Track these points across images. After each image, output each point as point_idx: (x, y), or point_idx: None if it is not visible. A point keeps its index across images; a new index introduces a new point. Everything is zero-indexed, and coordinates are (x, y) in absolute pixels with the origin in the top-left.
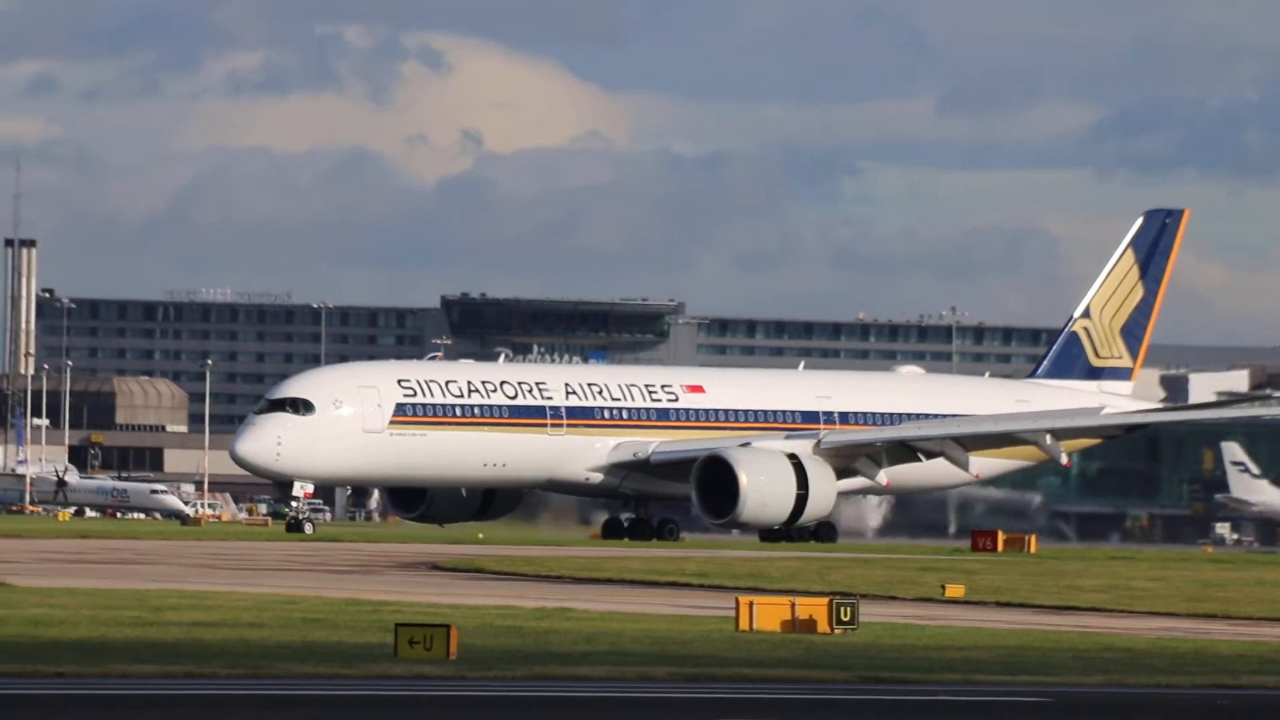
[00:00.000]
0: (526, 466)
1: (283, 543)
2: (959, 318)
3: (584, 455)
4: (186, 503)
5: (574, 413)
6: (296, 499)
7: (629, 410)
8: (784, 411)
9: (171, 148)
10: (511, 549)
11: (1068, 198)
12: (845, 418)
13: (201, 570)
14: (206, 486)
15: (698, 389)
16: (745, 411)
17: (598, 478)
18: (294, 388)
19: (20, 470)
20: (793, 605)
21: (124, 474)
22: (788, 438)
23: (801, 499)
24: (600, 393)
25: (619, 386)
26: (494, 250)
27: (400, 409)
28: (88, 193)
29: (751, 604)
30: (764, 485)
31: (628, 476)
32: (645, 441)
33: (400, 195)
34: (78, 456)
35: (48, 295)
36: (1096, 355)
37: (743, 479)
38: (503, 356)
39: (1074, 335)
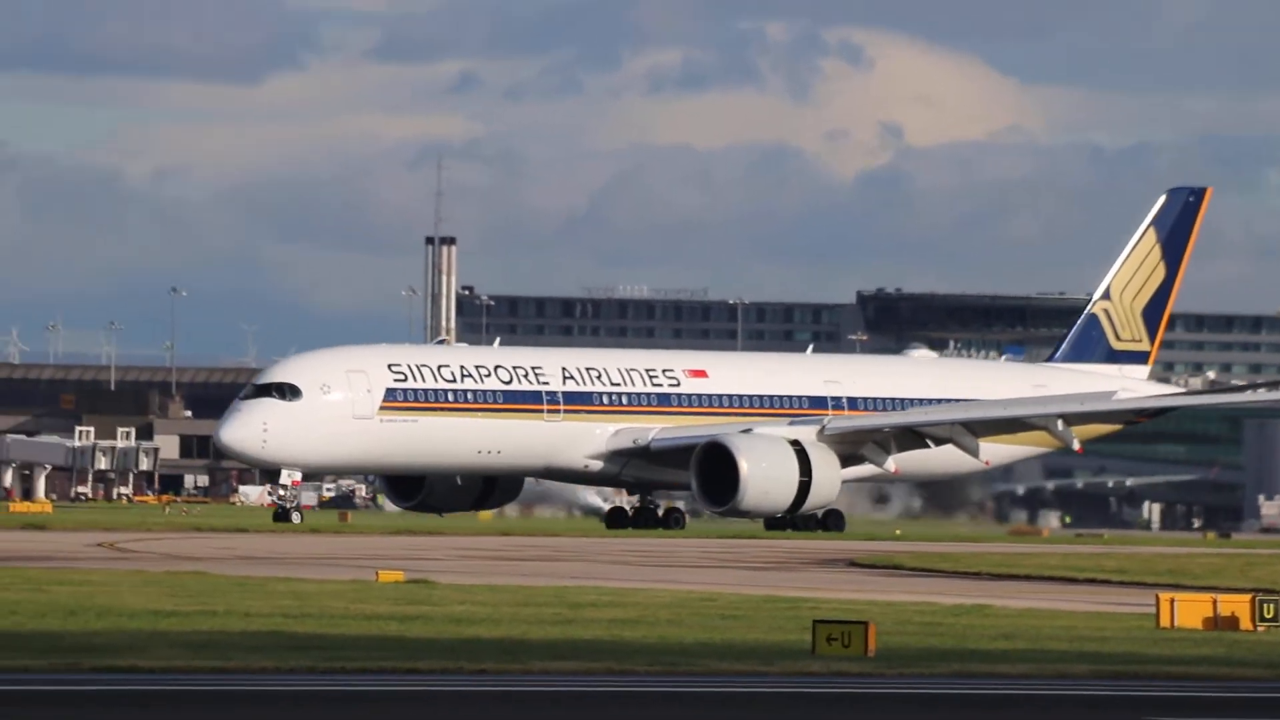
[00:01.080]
0: (522, 454)
1: (700, 539)
2: None
3: (582, 442)
4: (605, 500)
5: (571, 398)
6: (285, 487)
7: (629, 395)
8: (790, 397)
9: (591, 145)
10: (928, 546)
11: None
12: (854, 403)
13: (620, 567)
14: None
15: (700, 374)
16: (750, 397)
17: (597, 465)
18: (281, 373)
19: None
20: (1215, 602)
21: None
22: (791, 424)
23: (804, 486)
24: (599, 377)
25: (619, 371)
26: (911, 245)
27: (390, 394)
28: (507, 190)
29: (1172, 601)
30: (765, 472)
31: (628, 464)
32: (646, 428)
33: (819, 190)
34: None
35: (467, 292)
36: (1117, 338)
37: (743, 466)
38: (914, 352)
39: (1093, 317)
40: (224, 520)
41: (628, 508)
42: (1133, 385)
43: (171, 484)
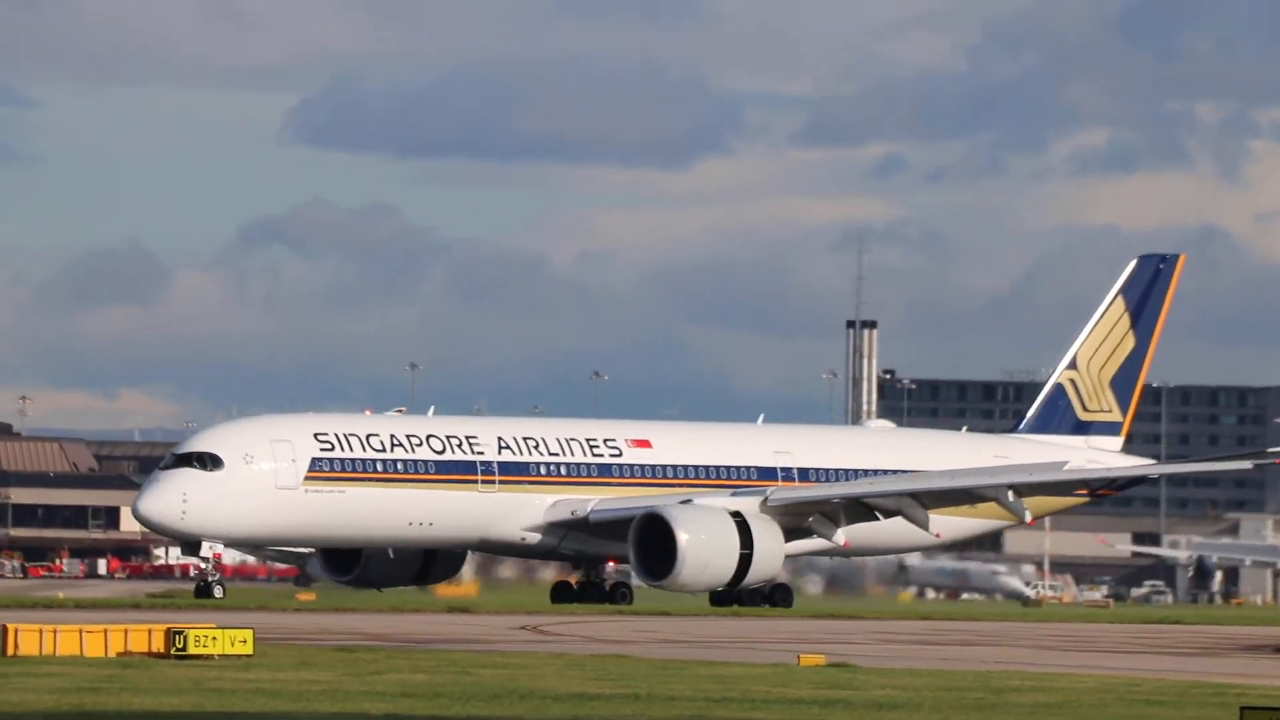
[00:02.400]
0: (456, 526)
1: (1125, 624)
2: None
3: (518, 514)
4: (1027, 584)
5: (507, 468)
6: (205, 560)
7: (567, 466)
8: (738, 468)
9: (1016, 227)
10: None
11: None
12: (805, 474)
13: (1043, 651)
14: (1047, 567)
15: (644, 444)
16: (695, 468)
17: (535, 538)
18: (202, 442)
19: None
20: None
21: (965, 554)
22: (734, 495)
23: (746, 559)
24: (536, 447)
25: (557, 441)
26: None
27: (316, 464)
28: (930, 273)
29: None
30: (704, 544)
31: (567, 536)
32: (584, 499)
33: (1248, 272)
34: None
35: (888, 376)
36: (1084, 409)
37: (681, 537)
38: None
39: (1059, 387)
40: (651, 604)
41: (573, 582)
42: (1101, 457)
43: None
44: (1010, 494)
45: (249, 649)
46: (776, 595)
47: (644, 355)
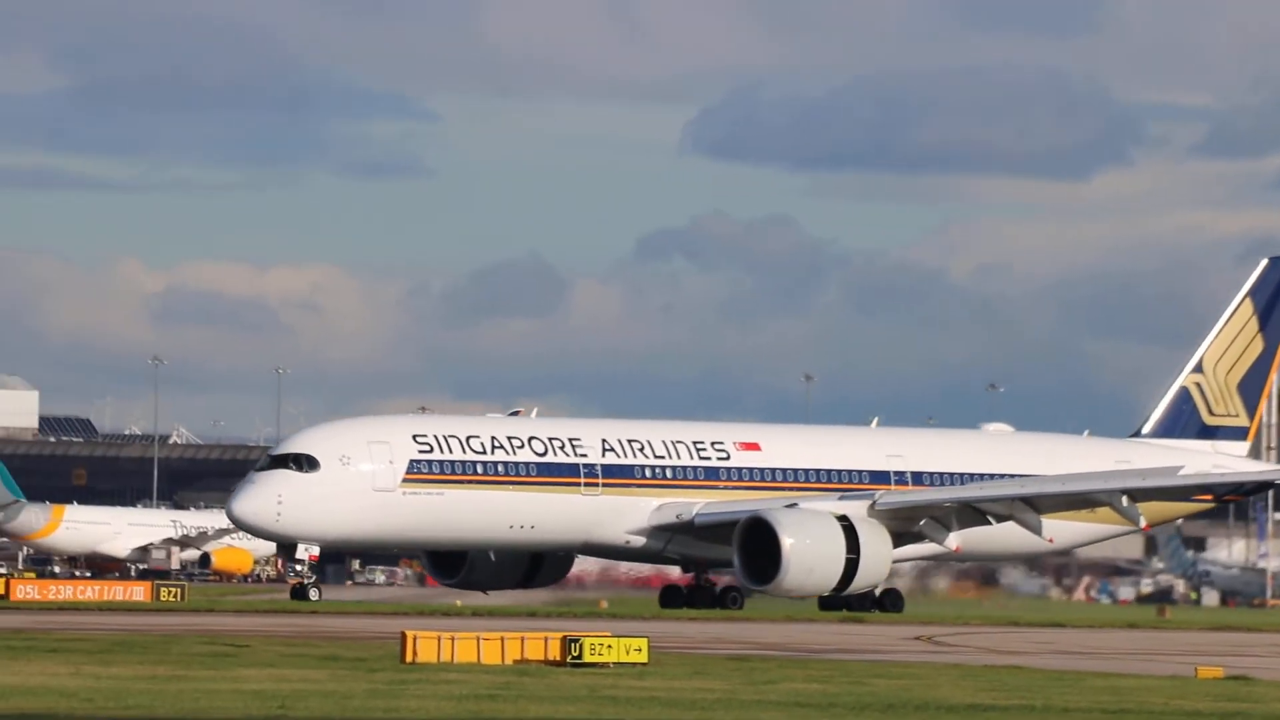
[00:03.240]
0: (558, 529)
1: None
2: None
3: (623, 517)
4: None
5: (610, 471)
6: (300, 562)
7: (673, 469)
8: (849, 471)
9: None
10: None
11: None
12: (919, 478)
13: None
14: None
15: (753, 447)
16: (804, 471)
17: (639, 541)
18: (298, 443)
19: (1261, 564)
20: None
21: None
22: (841, 498)
23: (852, 564)
24: (641, 450)
25: (663, 444)
26: None
27: (414, 466)
28: None
29: None
30: (809, 549)
31: (672, 540)
32: (690, 502)
33: None
34: None
35: None
36: (1210, 413)
37: (785, 542)
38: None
39: (1185, 391)
40: (1041, 615)
41: (682, 586)
42: (1227, 461)
43: None
44: (1124, 499)
45: (644, 657)
46: (886, 600)
47: (1040, 367)
